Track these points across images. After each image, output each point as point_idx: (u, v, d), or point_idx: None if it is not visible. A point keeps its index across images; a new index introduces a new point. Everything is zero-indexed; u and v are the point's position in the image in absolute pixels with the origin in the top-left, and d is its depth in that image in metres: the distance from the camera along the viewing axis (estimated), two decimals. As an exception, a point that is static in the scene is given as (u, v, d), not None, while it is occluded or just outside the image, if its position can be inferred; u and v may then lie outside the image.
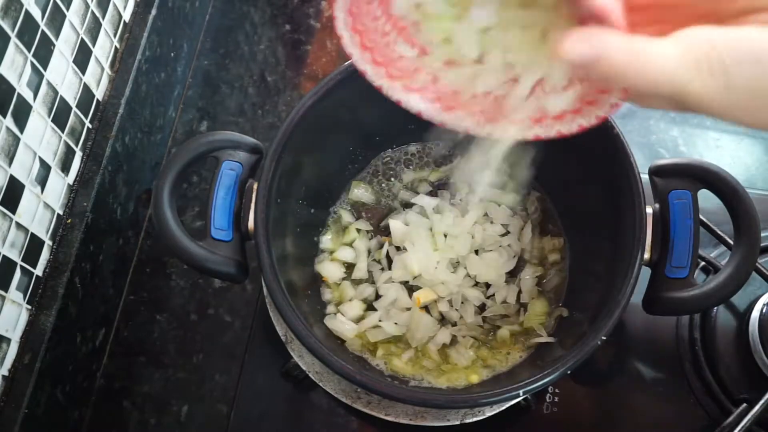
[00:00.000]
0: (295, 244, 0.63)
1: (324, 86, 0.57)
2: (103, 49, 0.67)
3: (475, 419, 0.60)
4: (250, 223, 0.54)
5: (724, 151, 0.78)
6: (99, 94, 0.67)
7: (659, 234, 0.55)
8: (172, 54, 0.77)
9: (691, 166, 0.56)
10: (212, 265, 0.54)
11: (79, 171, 0.64)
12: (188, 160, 0.55)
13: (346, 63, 0.57)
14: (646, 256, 0.54)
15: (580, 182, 0.64)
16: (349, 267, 0.67)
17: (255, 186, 0.55)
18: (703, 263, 0.68)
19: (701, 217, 0.58)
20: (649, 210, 0.55)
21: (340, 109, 0.60)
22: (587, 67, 0.32)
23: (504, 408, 0.60)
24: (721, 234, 0.65)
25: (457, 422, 0.59)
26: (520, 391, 0.50)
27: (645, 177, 0.56)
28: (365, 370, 0.58)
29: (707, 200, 0.56)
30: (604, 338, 0.51)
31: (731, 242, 0.59)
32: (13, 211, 0.55)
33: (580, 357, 0.51)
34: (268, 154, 0.56)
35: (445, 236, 0.66)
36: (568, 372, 0.50)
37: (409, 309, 0.64)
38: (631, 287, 0.52)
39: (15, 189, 0.55)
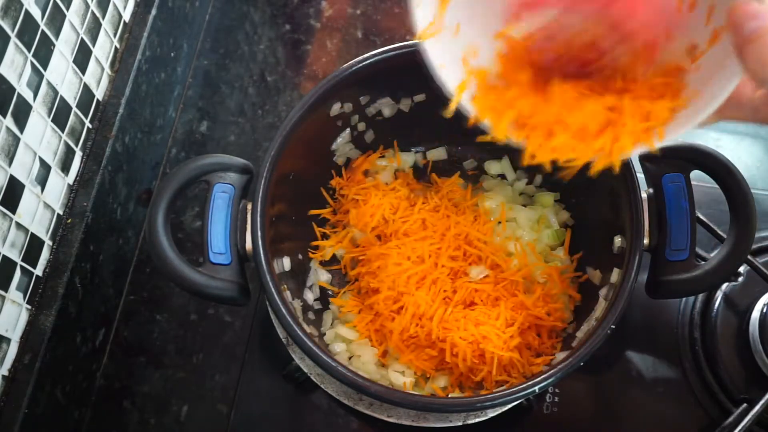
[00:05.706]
0: (296, 260, 0.64)
1: (293, 116, 0.57)
2: (103, 49, 0.67)
3: (477, 420, 0.60)
4: (248, 245, 0.53)
5: (724, 151, 0.76)
6: (99, 94, 0.67)
7: (655, 219, 0.55)
8: (172, 54, 0.77)
9: (681, 148, 0.56)
10: (213, 291, 0.52)
11: (79, 171, 0.64)
12: (179, 186, 0.54)
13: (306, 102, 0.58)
14: (646, 241, 0.54)
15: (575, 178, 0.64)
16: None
17: (249, 206, 0.54)
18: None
19: (699, 215, 0.58)
20: (643, 195, 0.55)
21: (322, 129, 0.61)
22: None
23: (506, 408, 0.60)
24: (721, 233, 0.65)
25: (460, 423, 0.59)
26: (536, 388, 0.50)
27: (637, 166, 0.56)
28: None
29: (706, 200, 0.56)
30: (613, 327, 0.51)
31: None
32: (13, 211, 0.55)
33: (594, 345, 0.51)
34: (258, 176, 0.55)
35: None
36: (581, 363, 0.51)
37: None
38: (634, 274, 0.52)
39: (15, 189, 0.55)
